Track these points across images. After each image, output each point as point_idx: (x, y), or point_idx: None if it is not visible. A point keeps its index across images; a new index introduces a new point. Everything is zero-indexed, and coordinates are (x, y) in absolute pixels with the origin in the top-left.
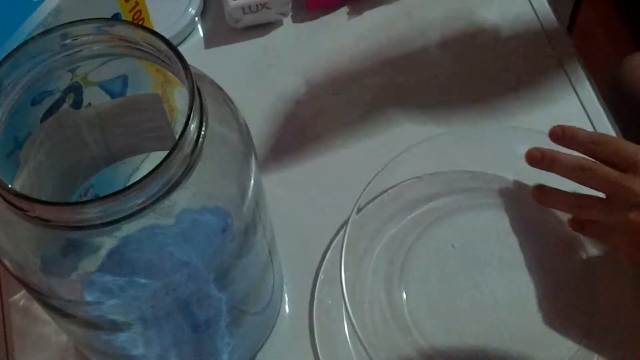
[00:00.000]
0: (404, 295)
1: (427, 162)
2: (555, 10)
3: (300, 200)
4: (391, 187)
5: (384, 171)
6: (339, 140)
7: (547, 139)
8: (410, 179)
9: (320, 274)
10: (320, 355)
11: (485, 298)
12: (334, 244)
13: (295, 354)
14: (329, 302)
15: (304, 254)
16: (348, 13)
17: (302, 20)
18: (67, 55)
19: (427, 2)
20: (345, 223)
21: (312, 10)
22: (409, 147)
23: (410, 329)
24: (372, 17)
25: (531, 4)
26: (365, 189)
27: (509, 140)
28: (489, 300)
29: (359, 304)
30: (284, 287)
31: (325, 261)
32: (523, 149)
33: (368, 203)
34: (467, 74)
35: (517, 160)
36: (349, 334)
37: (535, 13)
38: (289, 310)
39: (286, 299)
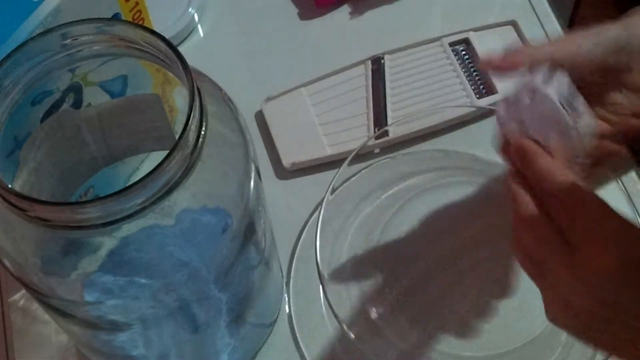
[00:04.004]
0: (379, 272)
1: (400, 143)
2: (555, 10)
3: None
4: (365, 168)
5: (358, 152)
6: None
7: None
8: (383, 159)
9: (296, 253)
10: (297, 334)
11: (460, 273)
12: (309, 224)
13: (295, 354)
14: (305, 281)
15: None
16: (350, 13)
17: (302, 19)
18: (67, 55)
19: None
20: (320, 204)
21: (320, 7)
22: (382, 128)
23: (385, 304)
24: (374, 16)
25: (531, 4)
26: (339, 170)
27: (482, 119)
28: (463, 275)
29: (334, 282)
30: (284, 287)
31: (300, 241)
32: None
33: (342, 183)
34: None
35: (489, 138)
36: (325, 311)
37: (535, 13)
38: (289, 310)
39: (286, 299)
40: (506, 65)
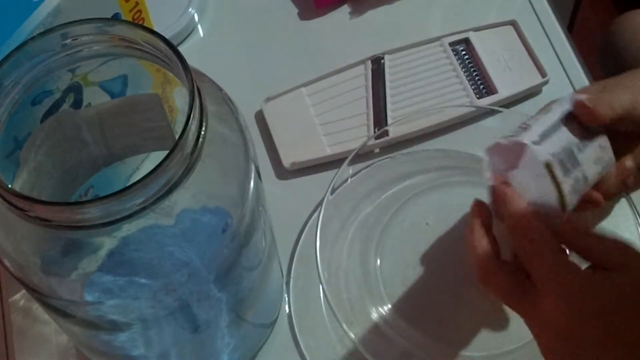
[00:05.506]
0: (379, 271)
1: (400, 142)
2: (555, 11)
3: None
4: (365, 168)
5: (358, 152)
6: None
7: (520, 118)
8: (383, 159)
9: (296, 253)
10: (297, 334)
11: (459, 274)
12: (309, 224)
13: (295, 354)
14: (305, 281)
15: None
16: (350, 13)
17: (302, 19)
18: (67, 55)
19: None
20: (320, 204)
21: (320, 7)
22: (382, 128)
23: (385, 304)
24: (374, 16)
25: (531, 4)
26: (339, 170)
27: (482, 119)
28: (462, 276)
29: (334, 282)
30: (284, 286)
31: (300, 241)
32: (496, 128)
33: (342, 184)
34: None
35: (489, 138)
36: (325, 311)
37: (535, 13)
38: (289, 310)
39: (286, 298)
40: None
